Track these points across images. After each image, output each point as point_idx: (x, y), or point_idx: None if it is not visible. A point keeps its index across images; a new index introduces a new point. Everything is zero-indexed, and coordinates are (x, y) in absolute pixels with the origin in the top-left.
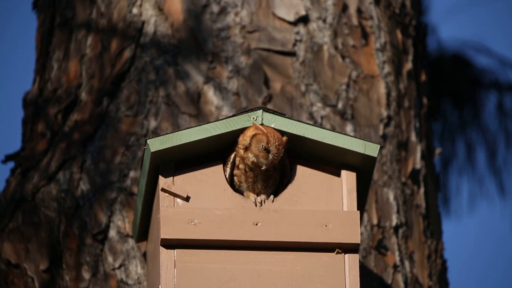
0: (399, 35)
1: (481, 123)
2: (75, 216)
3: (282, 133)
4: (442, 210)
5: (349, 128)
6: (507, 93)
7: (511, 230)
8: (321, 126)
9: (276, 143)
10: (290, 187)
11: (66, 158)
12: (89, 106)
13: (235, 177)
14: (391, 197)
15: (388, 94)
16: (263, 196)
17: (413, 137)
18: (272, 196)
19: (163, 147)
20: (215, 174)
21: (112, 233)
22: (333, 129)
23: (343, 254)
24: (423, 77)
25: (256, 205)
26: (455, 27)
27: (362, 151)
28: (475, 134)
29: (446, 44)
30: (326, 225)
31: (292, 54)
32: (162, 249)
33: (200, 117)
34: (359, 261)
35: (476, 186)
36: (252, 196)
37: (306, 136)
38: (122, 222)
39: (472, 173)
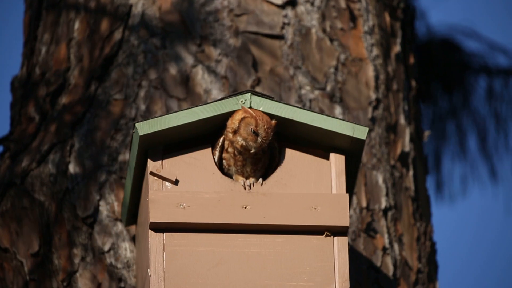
0: (387, 18)
1: (471, 107)
2: (64, 200)
3: (271, 116)
4: (435, 195)
5: (337, 111)
6: (496, 77)
7: (503, 213)
8: (309, 109)
9: (265, 126)
10: (279, 170)
11: (55, 142)
12: (77, 90)
13: (224, 161)
14: (380, 180)
15: (377, 77)
16: (252, 180)
17: (402, 120)
18: (261, 180)
19: (152, 131)
20: (204, 158)
21: (101, 216)
22: (321, 112)
23: (332, 237)
24: (412, 60)
25: (245, 188)
26: (444, 11)
27: (350, 134)
28: (466, 119)
29: (435, 29)
30: (315, 208)
31: (280, 37)
32: (151, 232)
33: (189, 100)
34: (348, 244)
35: (468, 170)
36: (241, 179)
37: (294, 119)
38: (111, 205)
39: (464, 158)
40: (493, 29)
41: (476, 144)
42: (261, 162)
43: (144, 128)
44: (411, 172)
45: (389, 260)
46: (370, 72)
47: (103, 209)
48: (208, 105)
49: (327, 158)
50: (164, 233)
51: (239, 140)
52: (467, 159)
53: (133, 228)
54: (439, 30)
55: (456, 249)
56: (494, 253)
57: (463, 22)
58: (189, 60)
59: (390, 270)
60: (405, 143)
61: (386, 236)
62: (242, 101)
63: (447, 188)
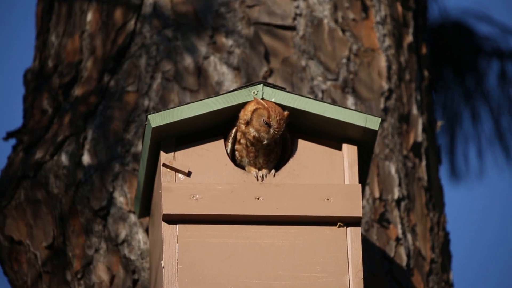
0: (399, 8)
1: (484, 91)
2: (78, 192)
3: (283, 107)
4: (451, 179)
5: (350, 101)
6: (509, 60)
7: None
8: (322, 100)
9: (277, 118)
10: (291, 161)
11: (68, 135)
12: (90, 82)
13: (236, 152)
14: (393, 170)
15: (389, 67)
16: (264, 171)
17: (415, 110)
18: (273, 171)
19: (164, 123)
20: (216, 149)
21: (115, 209)
22: (334, 103)
23: (345, 227)
24: (424, 50)
25: (257, 179)
26: None
27: (363, 125)
28: (479, 102)
29: (447, 13)
30: (327, 199)
31: (292, 28)
32: (164, 224)
33: (201, 92)
34: (361, 235)
35: (482, 153)
36: (253, 170)
37: (307, 110)
38: (124, 198)
39: (478, 141)
40: (505, 12)
41: (490, 127)
42: (274, 153)
43: (156, 120)
44: (424, 162)
45: (402, 251)
46: (382, 62)
47: (117, 201)
48: (220, 96)
49: (340, 148)
50: (177, 225)
51: (252, 132)
52: (481, 142)
53: (146, 220)
54: (451, 13)
55: (470, 238)
56: (509, 243)
57: (475, 6)
58: (202, 51)
59: (403, 260)
60: (418, 133)
61: (399, 226)
62: (254, 92)
63: (462, 172)
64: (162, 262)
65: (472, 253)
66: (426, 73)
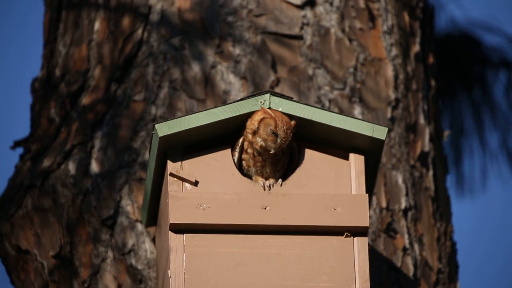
0: (406, 17)
1: (491, 102)
2: (85, 201)
3: (290, 116)
4: (456, 190)
5: (357, 111)
6: None
7: None
8: (329, 109)
9: (284, 127)
10: (298, 170)
11: (75, 144)
12: (97, 91)
13: (243, 162)
14: (400, 180)
15: (396, 77)
16: (271, 180)
17: (421, 120)
18: (280, 180)
19: (171, 132)
20: (224, 159)
21: (121, 218)
22: (341, 112)
23: (352, 237)
24: (431, 59)
25: (264, 189)
26: (464, 6)
27: (370, 134)
28: (486, 113)
29: (455, 23)
30: (334, 209)
31: (299, 37)
32: (171, 233)
33: (208, 101)
34: (368, 245)
35: (488, 165)
36: (260, 180)
37: (314, 119)
38: (131, 207)
39: (484, 152)
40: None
41: (496, 138)
42: (281, 162)
43: (163, 129)
44: (431, 172)
45: (409, 261)
46: (389, 72)
47: (124, 210)
48: (227, 106)
49: (347, 158)
50: (184, 234)
51: (259, 141)
52: (487, 153)
53: (153, 229)
54: (459, 24)
55: (477, 248)
56: None
57: (483, 17)
58: (209, 60)
59: (410, 270)
60: (425, 143)
61: (406, 236)
62: (261, 102)
63: (468, 183)
64: (169, 271)
65: (479, 262)
66: (433, 82)
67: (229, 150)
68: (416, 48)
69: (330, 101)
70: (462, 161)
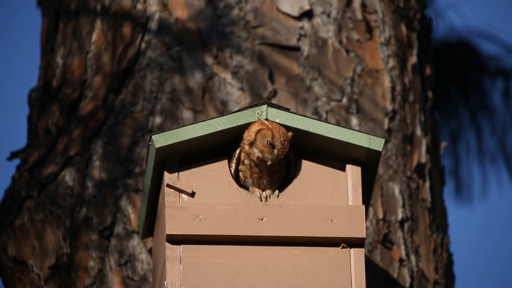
0: (403, 29)
1: (488, 110)
2: (81, 212)
3: (287, 128)
4: (455, 198)
5: (354, 122)
6: None
7: None
8: (326, 120)
9: (281, 138)
10: (295, 182)
11: (72, 155)
12: (94, 102)
13: (240, 173)
14: (397, 191)
15: (393, 88)
16: (268, 191)
17: (418, 131)
18: (277, 191)
19: (168, 143)
20: (220, 170)
21: (118, 229)
22: (338, 124)
23: (348, 248)
24: (428, 71)
25: (261, 200)
26: (463, 14)
27: (367, 145)
28: (484, 121)
29: (453, 31)
30: (331, 220)
31: (296, 49)
32: (167, 245)
33: (205, 112)
34: (365, 256)
35: (487, 173)
36: (257, 191)
37: (311, 130)
38: (127, 218)
39: (482, 160)
40: (509, 31)
41: (494, 146)
42: (278, 174)
43: (160, 140)
44: (427, 183)
45: (406, 272)
46: (386, 83)
47: (120, 221)
48: (224, 117)
49: (344, 169)
50: (181, 245)
51: (256, 152)
52: (486, 161)
53: (149, 240)
54: (457, 32)
55: (476, 258)
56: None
57: (481, 25)
58: (206, 71)
59: (407, 281)
60: (422, 154)
61: (402, 247)
62: (258, 113)
63: (467, 190)
64: (165, 282)
65: (475, 274)
66: (430, 94)
67: (226, 161)
68: (413, 59)
69: (327, 112)
70: (461, 169)
